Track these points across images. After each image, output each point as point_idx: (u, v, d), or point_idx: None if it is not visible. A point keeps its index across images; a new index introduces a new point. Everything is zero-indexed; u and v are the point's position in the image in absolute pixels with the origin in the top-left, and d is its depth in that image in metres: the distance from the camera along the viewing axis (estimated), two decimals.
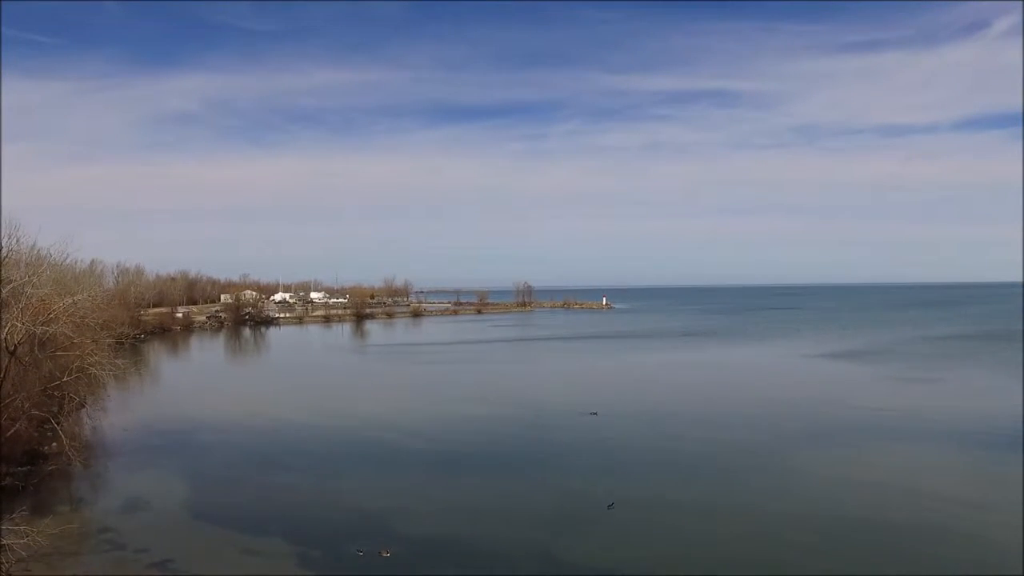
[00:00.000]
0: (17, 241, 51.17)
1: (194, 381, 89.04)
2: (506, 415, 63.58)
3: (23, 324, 39.98)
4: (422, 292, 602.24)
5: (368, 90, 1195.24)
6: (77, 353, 45.96)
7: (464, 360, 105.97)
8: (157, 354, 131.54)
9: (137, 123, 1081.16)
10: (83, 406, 52.42)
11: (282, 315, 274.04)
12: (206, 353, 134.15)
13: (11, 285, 48.80)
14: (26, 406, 44.77)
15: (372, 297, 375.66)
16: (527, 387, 77.81)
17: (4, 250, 47.33)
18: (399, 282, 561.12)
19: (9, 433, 43.33)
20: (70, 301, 44.09)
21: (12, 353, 42.95)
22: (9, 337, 41.10)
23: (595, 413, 62.63)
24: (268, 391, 77.15)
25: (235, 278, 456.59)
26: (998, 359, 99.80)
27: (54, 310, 42.51)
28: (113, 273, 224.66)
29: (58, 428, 44.57)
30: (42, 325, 41.62)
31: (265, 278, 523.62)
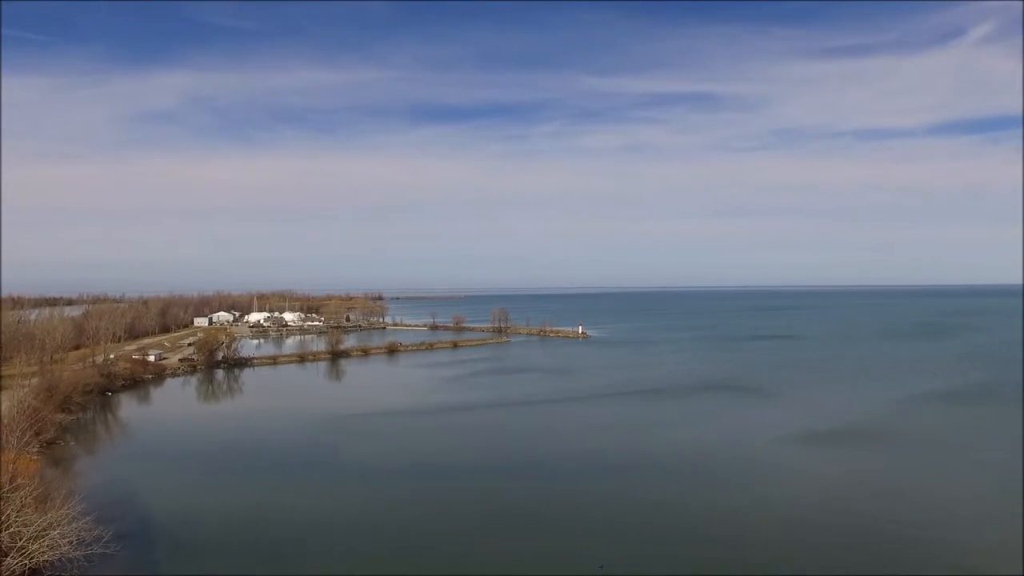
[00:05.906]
0: None
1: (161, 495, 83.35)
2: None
3: None
4: (398, 299, 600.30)
5: (353, 90, 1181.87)
6: None
7: (440, 462, 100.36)
8: (121, 432, 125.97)
9: (116, 120, 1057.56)
10: None
11: (257, 344, 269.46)
12: (173, 433, 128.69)
13: None
14: None
15: (348, 320, 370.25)
16: (519, 519, 72.95)
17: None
18: (376, 290, 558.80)
19: None
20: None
21: None
22: None
23: (602, 567, 58.84)
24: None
25: (209, 291, 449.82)
26: (999, 461, 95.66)
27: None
28: (87, 302, 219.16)
29: None
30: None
31: (240, 285, 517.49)
